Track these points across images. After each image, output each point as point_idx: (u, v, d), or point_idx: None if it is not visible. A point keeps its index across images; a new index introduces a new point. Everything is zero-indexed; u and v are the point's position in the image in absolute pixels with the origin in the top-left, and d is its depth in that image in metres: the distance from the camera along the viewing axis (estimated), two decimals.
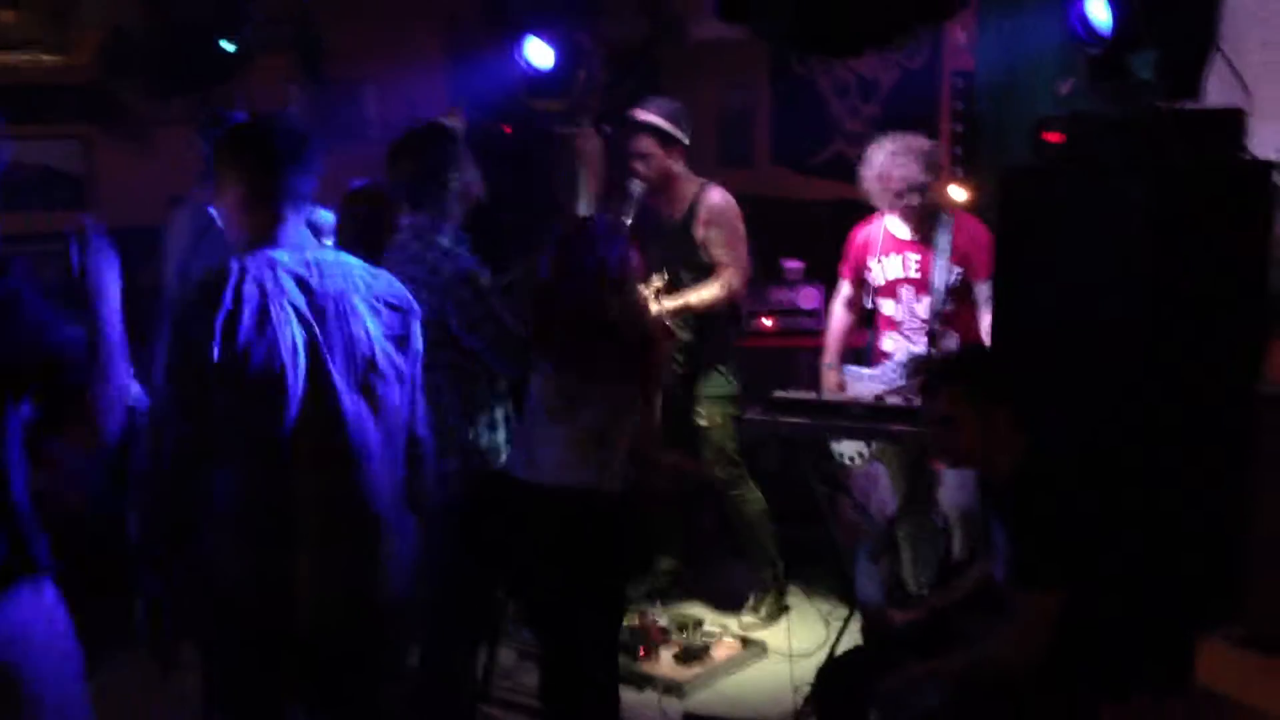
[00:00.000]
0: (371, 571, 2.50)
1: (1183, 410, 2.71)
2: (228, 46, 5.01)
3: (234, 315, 2.36)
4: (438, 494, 3.01)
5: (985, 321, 3.94)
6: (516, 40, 5.05)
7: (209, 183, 3.54)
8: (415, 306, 2.61)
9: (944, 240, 4.01)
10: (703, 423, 4.41)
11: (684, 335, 4.30)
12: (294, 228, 2.50)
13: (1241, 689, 2.45)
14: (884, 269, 4.17)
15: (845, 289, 4.37)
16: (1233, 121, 2.82)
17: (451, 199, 3.26)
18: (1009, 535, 2.72)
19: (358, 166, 5.61)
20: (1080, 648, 2.57)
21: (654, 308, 4.00)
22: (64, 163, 5.41)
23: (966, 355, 3.00)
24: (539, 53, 4.95)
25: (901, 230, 4.13)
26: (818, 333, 5.23)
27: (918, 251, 4.09)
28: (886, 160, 4.01)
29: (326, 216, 3.68)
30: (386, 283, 2.58)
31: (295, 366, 2.38)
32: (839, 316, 4.40)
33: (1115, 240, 2.73)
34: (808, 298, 5.30)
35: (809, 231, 6.01)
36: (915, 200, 4.00)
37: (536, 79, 5.04)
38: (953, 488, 4.03)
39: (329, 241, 3.65)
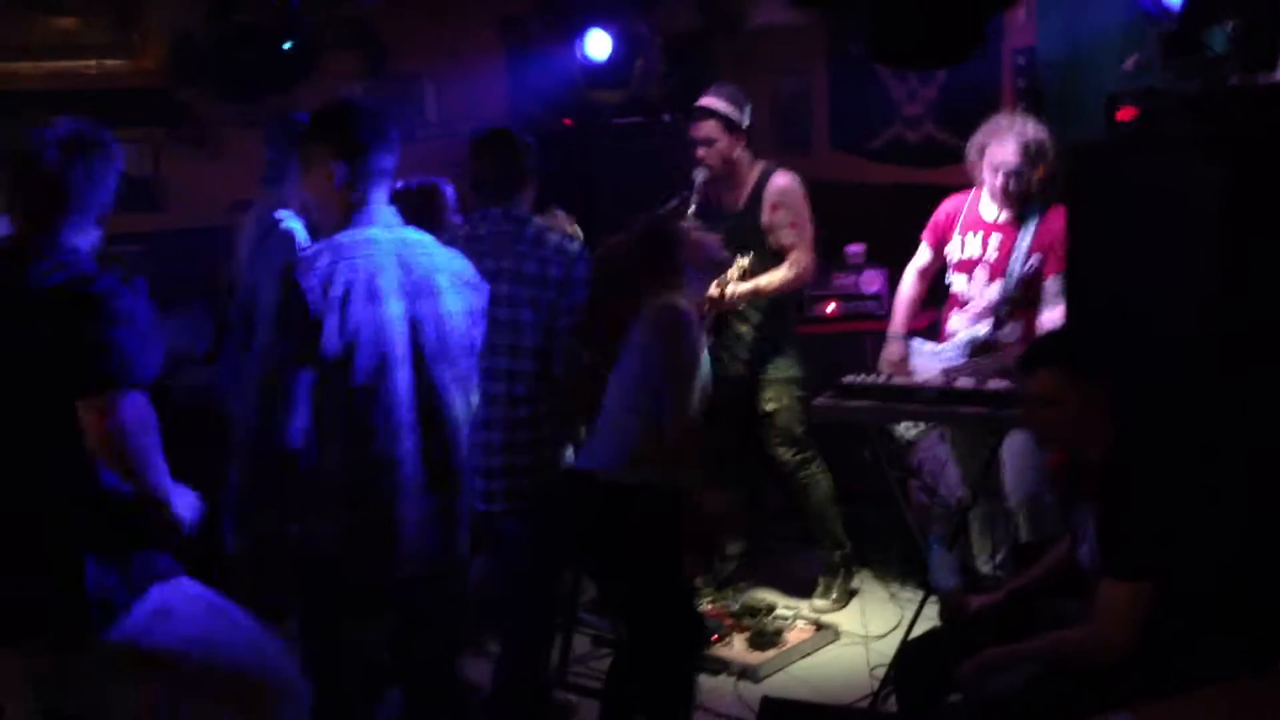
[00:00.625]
0: (456, 523, 2.82)
1: (1269, 392, 2.68)
2: (286, 46, 5.08)
3: (345, 294, 2.60)
4: (530, 492, 3.13)
5: (1047, 315, 3.91)
6: (574, 33, 5.08)
7: (273, 185, 3.69)
8: (485, 285, 2.91)
9: (1029, 229, 3.97)
10: (769, 406, 4.43)
11: (754, 319, 4.31)
12: (381, 206, 2.73)
13: None
14: (963, 245, 4.13)
15: (924, 254, 4.30)
16: None
17: (525, 195, 3.35)
18: (1099, 521, 2.69)
19: (418, 163, 5.71)
20: (1169, 632, 2.55)
21: (728, 290, 4.07)
22: (133, 166, 5.51)
23: (1070, 335, 2.97)
24: (597, 44, 4.98)
25: (990, 210, 4.08)
26: (881, 316, 5.21)
27: (1001, 233, 4.05)
28: (989, 134, 3.96)
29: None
30: (463, 263, 2.87)
31: (400, 339, 2.66)
32: (910, 283, 4.33)
33: (1192, 218, 2.70)
34: (870, 282, 5.28)
35: (869, 216, 5.98)
36: (1009, 184, 3.94)
37: (595, 71, 5.06)
38: (1014, 472, 3.99)
39: None
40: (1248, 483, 2.67)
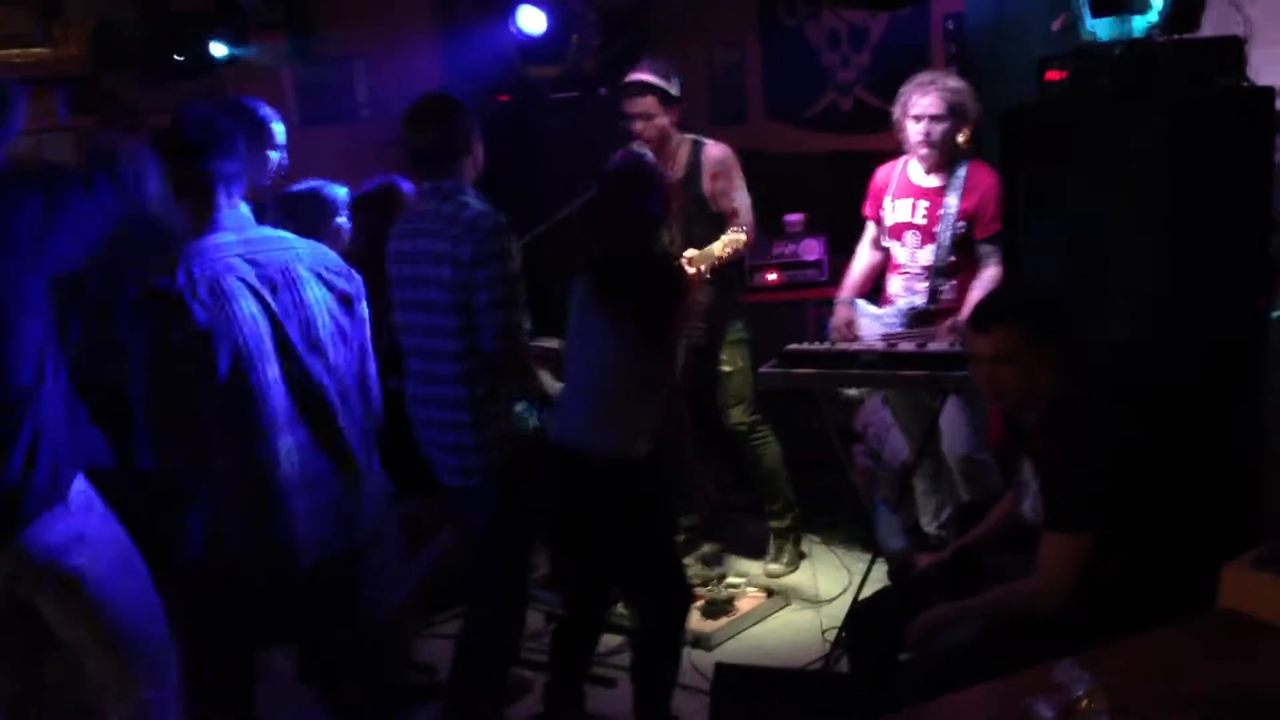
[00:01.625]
0: (356, 510, 2.80)
1: (1199, 340, 2.75)
2: (218, 50, 4.99)
3: (191, 296, 2.59)
4: (484, 468, 3.12)
5: (986, 274, 3.97)
6: (507, 9, 5.04)
7: None
8: (356, 275, 2.88)
9: (954, 191, 4.02)
10: (725, 368, 4.48)
11: (707, 286, 4.35)
12: (229, 210, 2.72)
13: (1261, 607, 2.50)
14: (894, 210, 4.18)
15: (870, 228, 4.37)
16: (1233, 50, 2.84)
17: (470, 166, 3.30)
18: (1041, 476, 2.75)
19: (351, 145, 5.65)
20: (1110, 582, 2.61)
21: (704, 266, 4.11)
22: (58, 155, 5.40)
23: (1023, 294, 2.99)
24: (531, 19, 4.95)
25: (918, 175, 4.13)
26: (821, 284, 5.28)
27: (928, 198, 4.09)
28: (912, 88, 4.01)
29: (340, 192, 3.71)
30: (325, 252, 2.87)
31: (260, 335, 2.64)
32: (863, 255, 4.39)
33: (1124, 172, 2.76)
34: (810, 250, 5.33)
35: (806, 184, 6.02)
36: (931, 133, 3.99)
37: (529, 47, 5.04)
38: (951, 433, 4.06)
39: (342, 219, 3.67)
40: (1184, 436, 2.74)
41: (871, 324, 4.20)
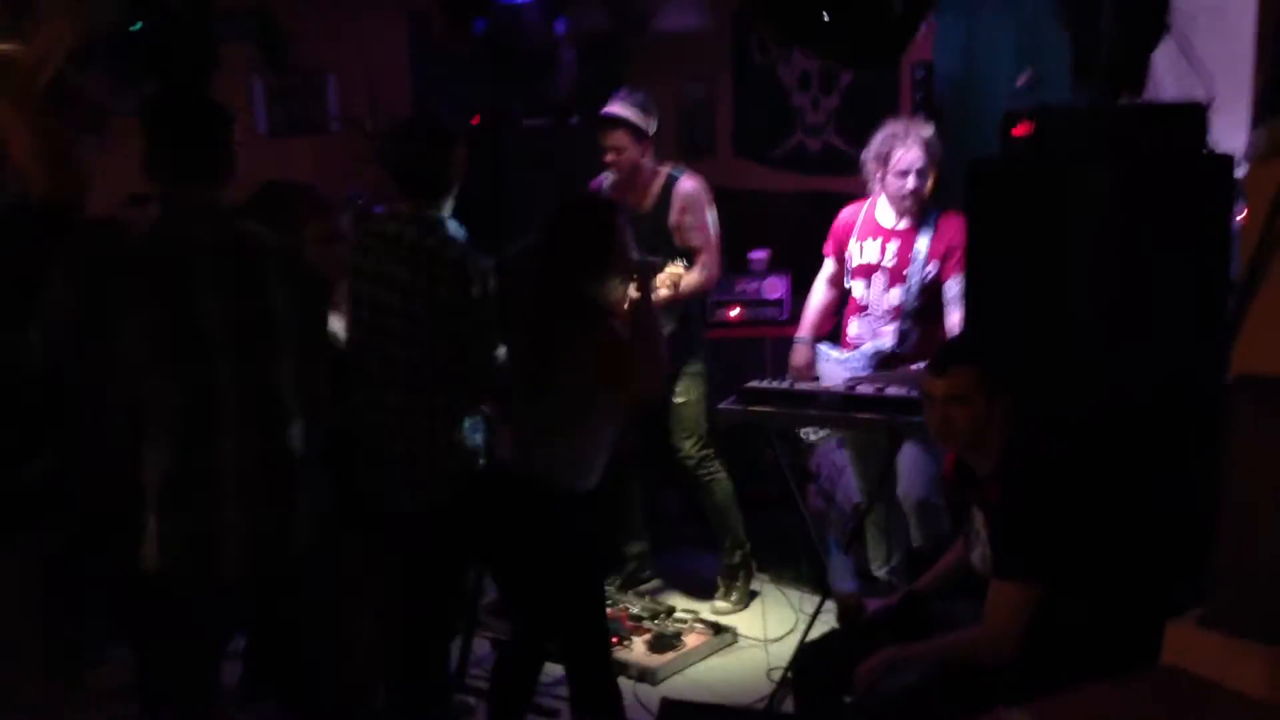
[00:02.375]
0: (299, 524, 2.69)
1: (1152, 400, 2.78)
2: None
3: (151, 290, 2.52)
4: (429, 494, 3.09)
5: (952, 319, 4.01)
6: (483, 31, 5.05)
7: None
8: (317, 283, 2.78)
9: (925, 235, 4.06)
10: (679, 399, 4.48)
11: (667, 319, 4.34)
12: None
13: (1205, 666, 2.53)
14: (861, 250, 4.21)
15: (828, 266, 4.40)
16: (1195, 115, 2.89)
17: (450, 193, 3.29)
18: (991, 524, 2.77)
19: (320, 158, 5.63)
20: (1058, 631, 2.64)
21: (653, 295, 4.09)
22: None
23: (980, 338, 3.02)
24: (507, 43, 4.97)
25: (887, 216, 4.17)
26: (783, 322, 5.31)
27: (899, 239, 4.13)
28: (890, 141, 4.05)
29: None
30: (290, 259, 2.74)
31: (215, 337, 2.54)
32: (819, 292, 4.42)
33: (1085, 230, 2.79)
34: (773, 287, 5.36)
35: (771, 222, 6.07)
36: (912, 184, 4.03)
37: (504, 70, 5.05)
38: (908, 477, 4.08)
39: None
40: (1133, 489, 2.77)
41: (835, 368, 4.22)
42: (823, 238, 4.44)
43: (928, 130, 4.05)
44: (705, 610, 4.50)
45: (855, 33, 3.35)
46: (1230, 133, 3.00)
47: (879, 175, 4.10)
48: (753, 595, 4.63)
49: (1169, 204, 2.81)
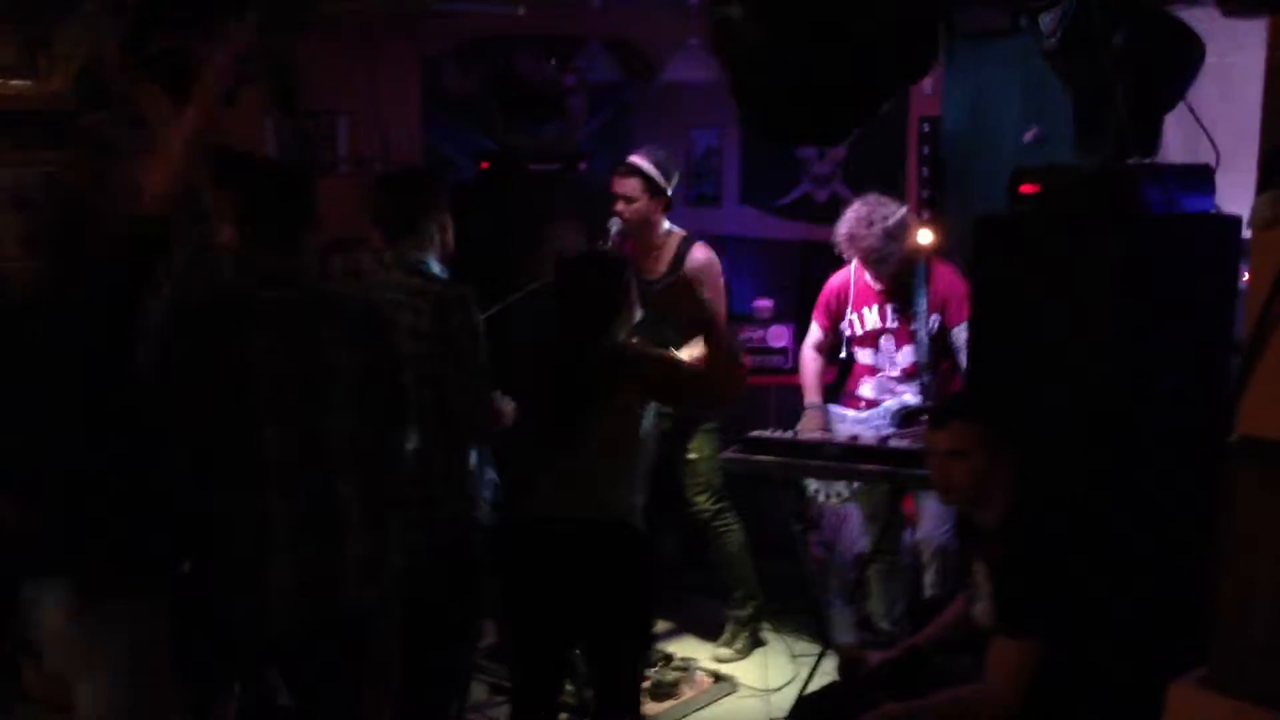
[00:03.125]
0: (344, 575, 2.70)
1: (1156, 462, 2.79)
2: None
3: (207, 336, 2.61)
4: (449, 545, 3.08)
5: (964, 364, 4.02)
6: (491, 74, 5.11)
7: None
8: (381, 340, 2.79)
9: (920, 288, 4.09)
10: (692, 455, 4.49)
11: None
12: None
13: None
14: (862, 320, 4.26)
15: (816, 333, 4.44)
16: (1203, 176, 2.92)
17: (435, 238, 3.33)
18: (994, 580, 2.77)
19: (330, 200, 5.66)
20: (1056, 690, 2.63)
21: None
22: (35, 190, 5.36)
23: (982, 393, 3.03)
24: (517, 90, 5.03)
25: (874, 282, 4.22)
26: (788, 370, 5.32)
27: (893, 302, 4.17)
28: (855, 225, 4.10)
29: None
30: (358, 308, 2.83)
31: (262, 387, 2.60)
32: (812, 358, 4.46)
33: (1092, 290, 2.81)
34: (778, 336, 5.39)
35: (776, 271, 6.11)
36: (882, 265, 4.09)
37: (513, 117, 5.10)
38: (932, 522, 4.09)
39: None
40: (1137, 548, 2.78)
41: (853, 428, 4.23)
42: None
43: (888, 212, 4.06)
44: (704, 656, 4.48)
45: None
46: (1236, 194, 3.03)
47: (849, 255, 4.16)
48: (758, 645, 4.61)
49: (1175, 265, 2.83)
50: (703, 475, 4.48)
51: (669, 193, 4.41)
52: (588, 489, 3.07)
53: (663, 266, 4.41)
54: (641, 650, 3.20)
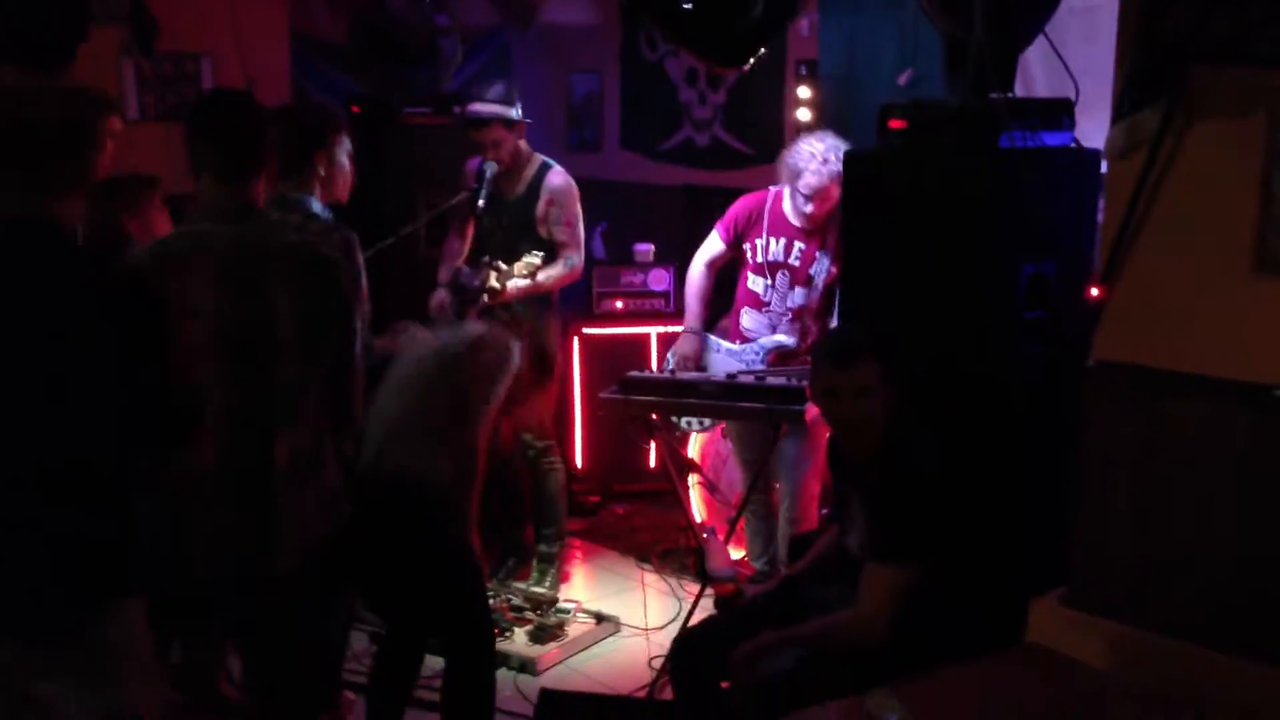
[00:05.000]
0: (269, 539, 2.57)
1: (1021, 389, 2.86)
2: None
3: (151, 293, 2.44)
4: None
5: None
6: (364, 16, 4.98)
7: None
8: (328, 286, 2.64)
9: (830, 234, 4.10)
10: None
11: (521, 312, 4.31)
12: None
13: (1064, 643, 2.62)
14: (766, 248, 4.20)
15: (716, 245, 4.33)
16: (1063, 111, 2.98)
17: (320, 177, 3.24)
18: (868, 510, 2.81)
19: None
20: (926, 612, 2.69)
21: (509, 284, 4.09)
22: None
23: (876, 330, 3.00)
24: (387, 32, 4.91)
25: (794, 216, 4.18)
26: (668, 314, 5.34)
27: (804, 241, 4.15)
28: (806, 160, 4.01)
29: None
30: (302, 254, 2.65)
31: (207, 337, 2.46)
32: (700, 275, 4.35)
33: (953, 225, 2.86)
34: (658, 280, 5.40)
35: (658, 216, 6.10)
36: (811, 209, 4.06)
37: (384, 60, 4.98)
38: (792, 462, 4.14)
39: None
40: (1001, 474, 2.85)
41: (727, 360, 4.25)
42: (709, 231, 4.42)
43: (836, 156, 3.98)
44: (587, 600, 4.49)
45: (711, 26, 3.36)
46: (1100, 134, 3.10)
47: (787, 185, 4.12)
48: (628, 585, 4.65)
49: (1037, 196, 2.89)
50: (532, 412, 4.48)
51: (519, 117, 4.36)
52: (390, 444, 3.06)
53: (521, 188, 4.39)
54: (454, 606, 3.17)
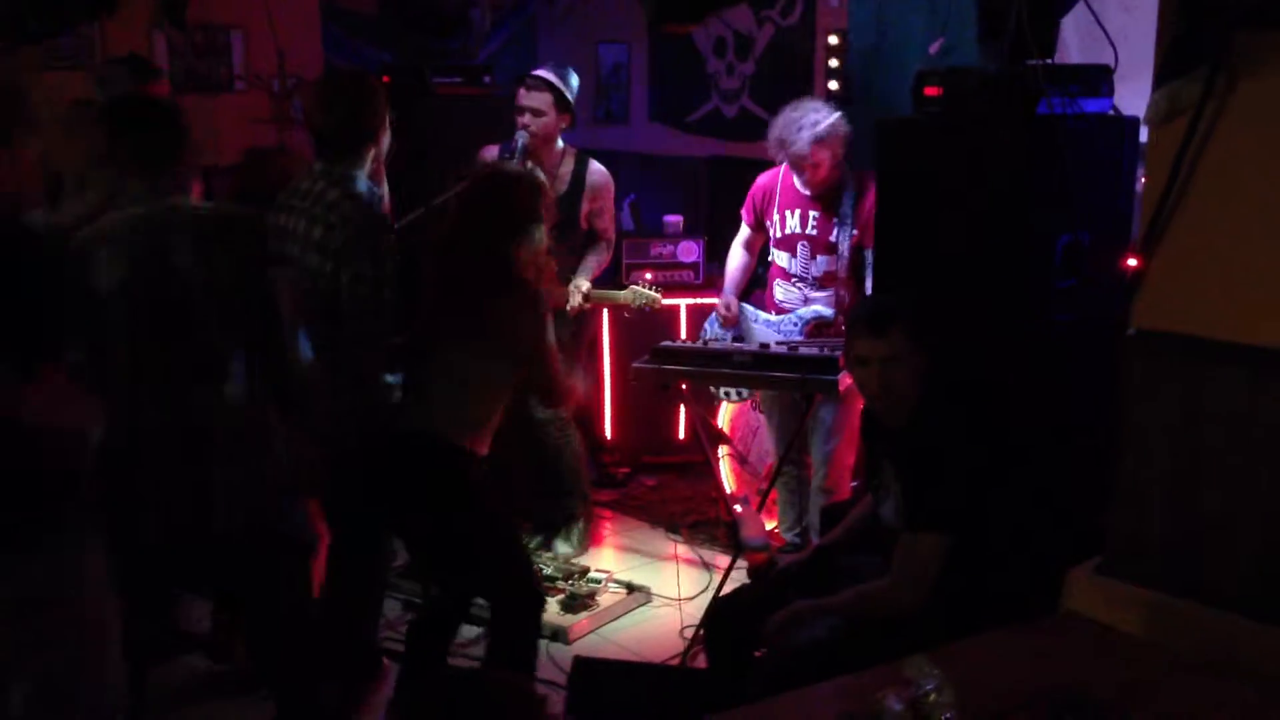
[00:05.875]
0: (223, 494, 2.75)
1: (1057, 357, 2.85)
2: None
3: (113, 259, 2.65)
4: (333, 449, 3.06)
5: (870, 284, 4.05)
6: None
7: None
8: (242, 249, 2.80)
9: (848, 204, 4.08)
10: None
11: (576, 299, 4.37)
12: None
13: (1100, 611, 2.61)
14: (783, 221, 4.23)
15: (744, 232, 4.45)
16: (1102, 77, 2.95)
17: (369, 151, 3.23)
18: (901, 479, 2.81)
19: (224, 116, 5.49)
20: (962, 581, 2.69)
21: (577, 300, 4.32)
22: None
23: (908, 297, 2.99)
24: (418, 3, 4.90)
25: (802, 187, 4.18)
26: (697, 286, 5.34)
27: (817, 209, 4.15)
28: (784, 129, 4.02)
29: None
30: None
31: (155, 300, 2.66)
32: (737, 256, 4.47)
33: (992, 187, 2.84)
34: (688, 251, 5.40)
35: (686, 187, 6.09)
36: (806, 175, 4.07)
37: (414, 30, 4.98)
38: (826, 432, 4.14)
39: None
40: (1037, 444, 2.84)
41: (766, 330, 4.26)
42: (737, 203, 4.45)
43: (820, 118, 4.00)
44: (619, 570, 4.51)
45: None
46: (1137, 103, 3.07)
47: (779, 159, 4.14)
48: (662, 556, 4.67)
49: (1075, 164, 2.86)
50: None
51: (572, 110, 4.40)
52: (428, 402, 3.12)
53: (561, 185, 4.40)
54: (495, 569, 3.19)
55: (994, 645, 2.42)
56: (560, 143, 4.44)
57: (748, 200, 4.39)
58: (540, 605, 3.26)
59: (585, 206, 4.44)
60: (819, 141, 3.99)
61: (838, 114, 4.07)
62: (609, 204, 4.52)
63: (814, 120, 4.00)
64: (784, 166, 4.23)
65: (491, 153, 4.38)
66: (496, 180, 3.29)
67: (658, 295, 4.46)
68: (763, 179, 4.35)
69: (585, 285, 4.38)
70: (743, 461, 4.75)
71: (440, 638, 3.36)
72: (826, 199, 4.13)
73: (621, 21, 6.45)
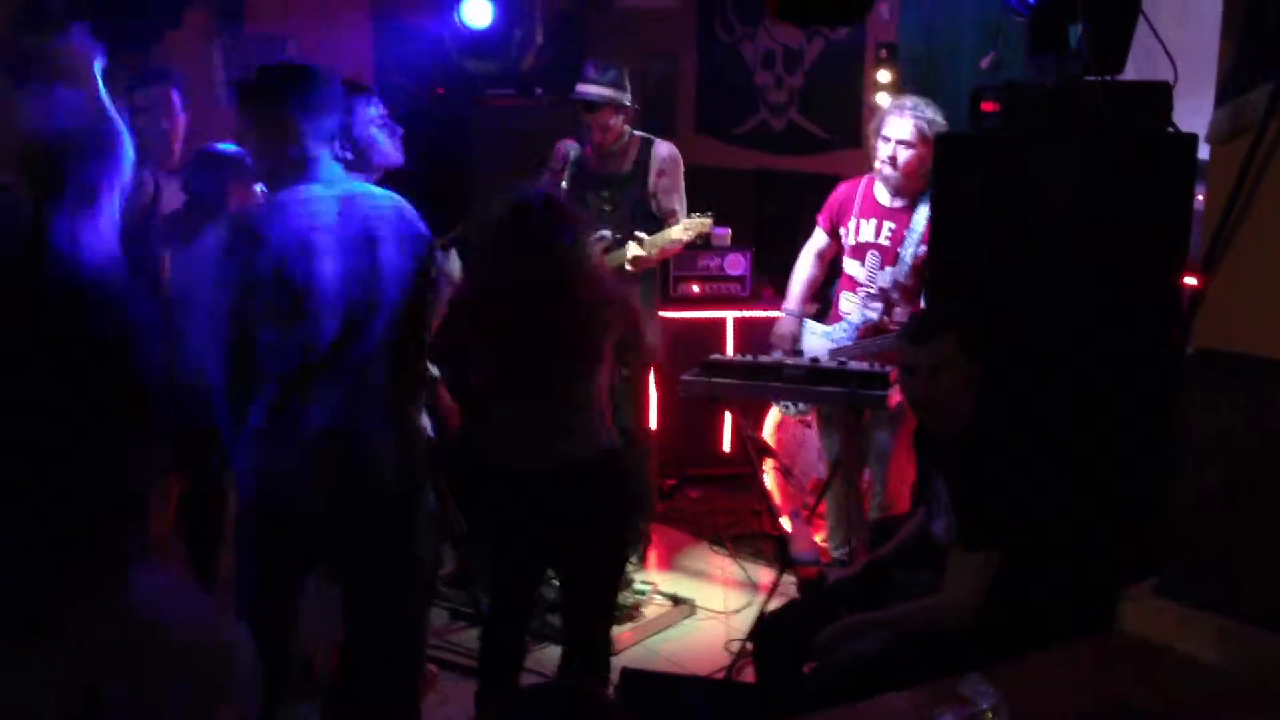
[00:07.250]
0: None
1: (1112, 375, 2.82)
2: None
3: (279, 247, 2.67)
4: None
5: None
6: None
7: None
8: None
9: (921, 215, 4.06)
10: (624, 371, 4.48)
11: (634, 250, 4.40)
12: (326, 163, 2.80)
13: (1159, 633, 2.59)
14: (858, 229, 4.20)
15: (820, 238, 4.40)
16: (1161, 94, 2.93)
17: (358, 157, 3.27)
18: (953, 493, 2.80)
19: None
20: (1014, 599, 2.67)
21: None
22: None
23: (969, 307, 2.99)
24: (477, 12, 4.94)
25: (883, 196, 4.15)
26: (743, 299, 5.34)
27: (894, 220, 4.13)
28: (891, 108, 4.04)
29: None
30: (409, 215, 2.88)
31: (335, 290, 2.70)
32: (807, 265, 4.43)
33: (1047, 208, 2.82)
34: (735, 264, 5.39)
35: (732, 201, 6.08)
36: (890, 151, 4.01)
37: (471, 40, 5.02)
38: (883, 451, 4.12)
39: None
40: (1091, 461, 2.82)
41: (820, 342, 4.25)
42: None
43: (933, 111, 3.98)
44: (664, 581, 4.51)
45: None
46: (1193, 118, 3.04)
47: (873, 141, 4.11)
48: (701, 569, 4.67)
49: (1132, 181, 2.85)
50: (618, 393, 4.50)
51: (631, 102, 4.45)
52: (568, 433, 3.08)
53: (627, 165, 4.47)
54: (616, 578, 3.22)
55: (1048, 664, 2.41)
56: (627, 131, 4.48)
57: (825, 206, 4.37)
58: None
59: (653, 183, 4.46)
60: (919, 128, 3.94)
61: (938, 114, 4.02)
62: (678, 181, 4.51)
63: (921, 111, 3.97)
64: (868, 177, 4.22)
65: (563, 150, 4.45)
66: (523, 216, 3.10)
67: (708, 219, 4.41)
68: (843, 187, 4.34)
69: (641, 235, 4.35)
70: (788, 475, 4.74)
71: (513, 653, 3.33)
72: (904, 212, 4.11)
73: (669, 33, 6.47)
